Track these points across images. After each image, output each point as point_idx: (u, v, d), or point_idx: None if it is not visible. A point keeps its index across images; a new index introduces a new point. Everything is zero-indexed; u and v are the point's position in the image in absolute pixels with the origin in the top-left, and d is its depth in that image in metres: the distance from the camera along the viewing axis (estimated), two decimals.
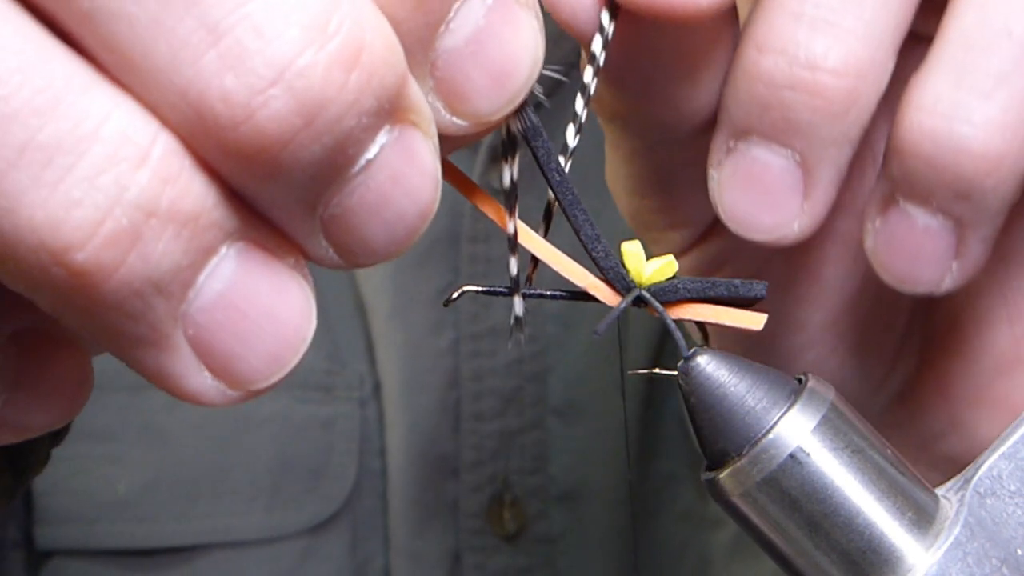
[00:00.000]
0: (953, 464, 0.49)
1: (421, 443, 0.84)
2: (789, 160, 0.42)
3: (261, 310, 0.32)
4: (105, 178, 0.29)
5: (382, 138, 0.31)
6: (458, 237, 0.85)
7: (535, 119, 0.37)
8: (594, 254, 0.40)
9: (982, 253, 0.43)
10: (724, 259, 0.51)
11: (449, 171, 0.37)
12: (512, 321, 0.40)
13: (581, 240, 0.39)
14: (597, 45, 0.40)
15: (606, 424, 0.85)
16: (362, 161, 0.31)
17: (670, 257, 0.40)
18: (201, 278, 0.31)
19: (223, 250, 0.31)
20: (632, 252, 0.40)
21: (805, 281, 0.51)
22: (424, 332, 0.85)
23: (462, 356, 0.85)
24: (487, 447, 0.85)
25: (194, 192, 0.30)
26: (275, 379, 0.33)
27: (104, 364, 0.38)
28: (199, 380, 0.32)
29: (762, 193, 0.43)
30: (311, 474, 0.83)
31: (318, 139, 0.30)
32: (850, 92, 0.41)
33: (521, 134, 0.37)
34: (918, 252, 0.43)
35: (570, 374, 0.85)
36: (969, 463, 0.40)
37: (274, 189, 0.31)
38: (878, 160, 0.47)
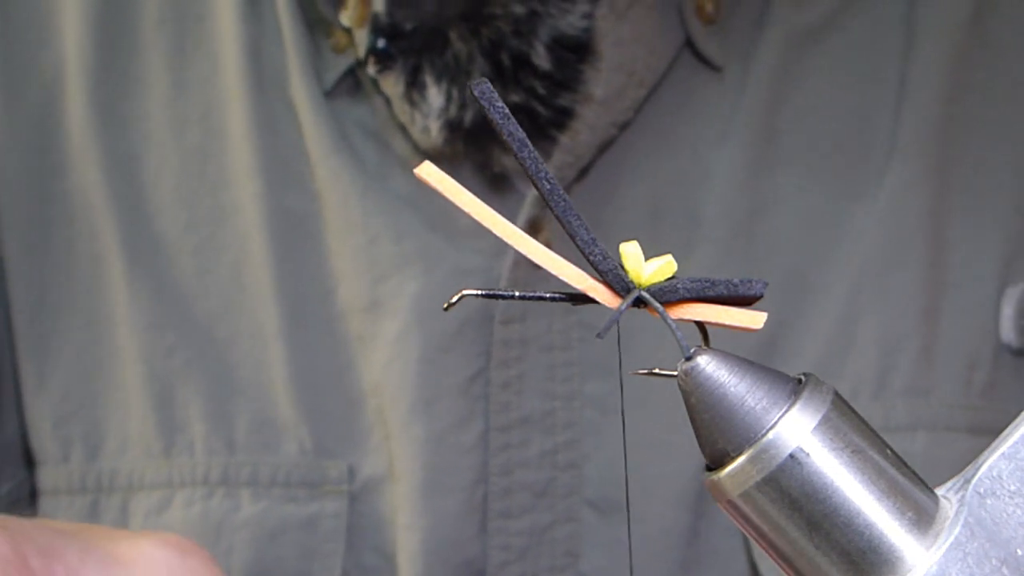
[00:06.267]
0: None
1: (442, 548, 0.78)
2: None
3: None
4: None
5: None
6: (490, 318, 0.78)
7: (520, 131, 0.37)
8: (592, 258, 0.39)
9: None
10: None
11: (445, 184, 0.38)
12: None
13: (577, 245, 0.39)
14: None
15: (651, 530, 0.78)
16: None
17: (669, 257, 0.40)
18: None
19: None
20: (631, 253, 0.40)
21: None
22: (449, 426, 0.78)
23: (491, 450, 0.78)
24: (515, 546, 0.78)
25: None
26: None
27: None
28: None
29: None
30: None
31: None
32: None
33: (509, 146, 0.37)
34: None
35: (608, 465, 0.79)
36: None
37: None
38: None
